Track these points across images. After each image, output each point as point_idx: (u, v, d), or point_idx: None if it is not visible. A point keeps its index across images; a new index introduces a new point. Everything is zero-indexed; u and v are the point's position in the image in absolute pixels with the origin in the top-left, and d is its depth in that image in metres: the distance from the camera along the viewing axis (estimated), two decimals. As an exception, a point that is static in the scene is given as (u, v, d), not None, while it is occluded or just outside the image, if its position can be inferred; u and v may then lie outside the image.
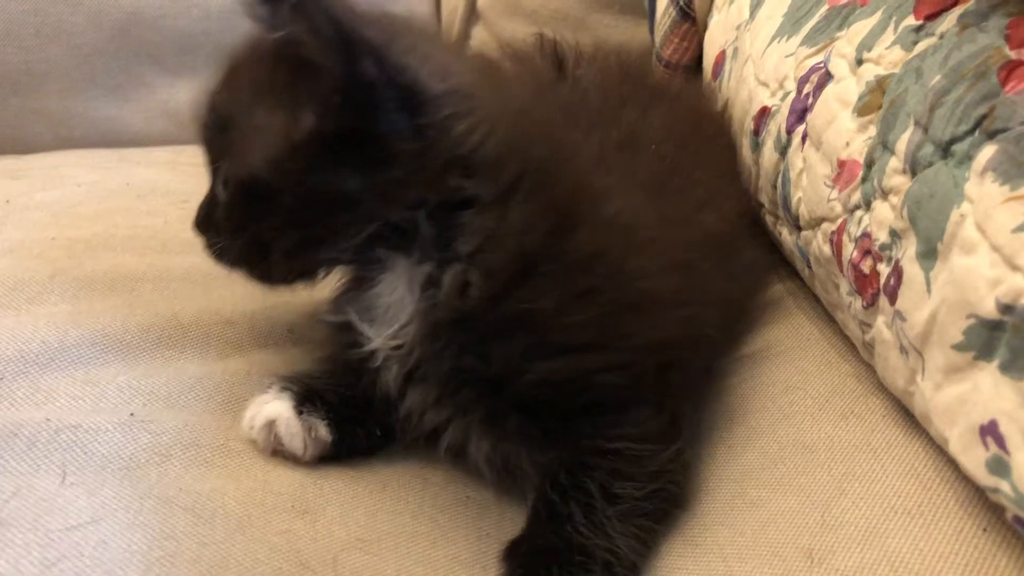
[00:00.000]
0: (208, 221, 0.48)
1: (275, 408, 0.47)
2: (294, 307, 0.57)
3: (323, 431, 0.47)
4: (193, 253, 0.60)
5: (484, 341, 0.44)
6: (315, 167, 0.43)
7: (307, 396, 0.47)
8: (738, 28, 0.63)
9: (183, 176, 0.76)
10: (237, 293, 0.57)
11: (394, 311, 0.46)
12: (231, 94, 0.46)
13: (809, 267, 0.51)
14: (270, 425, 0.46)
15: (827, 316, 0.52)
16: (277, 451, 0.47)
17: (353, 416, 0.48)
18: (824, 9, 0.53)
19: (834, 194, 0.46)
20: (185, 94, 0.89)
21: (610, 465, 0.45)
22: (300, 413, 0.47)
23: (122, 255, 0.60)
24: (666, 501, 0.46)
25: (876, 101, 0.44)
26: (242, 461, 0.47)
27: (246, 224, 0.45)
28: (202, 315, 0.56)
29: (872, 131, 0.44)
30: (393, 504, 0.47)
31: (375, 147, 0.42)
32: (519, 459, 0.47)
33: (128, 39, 0.87)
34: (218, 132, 0.47)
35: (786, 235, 0.54)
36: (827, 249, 0.47)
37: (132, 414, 0.47)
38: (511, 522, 0.47)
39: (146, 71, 0.88)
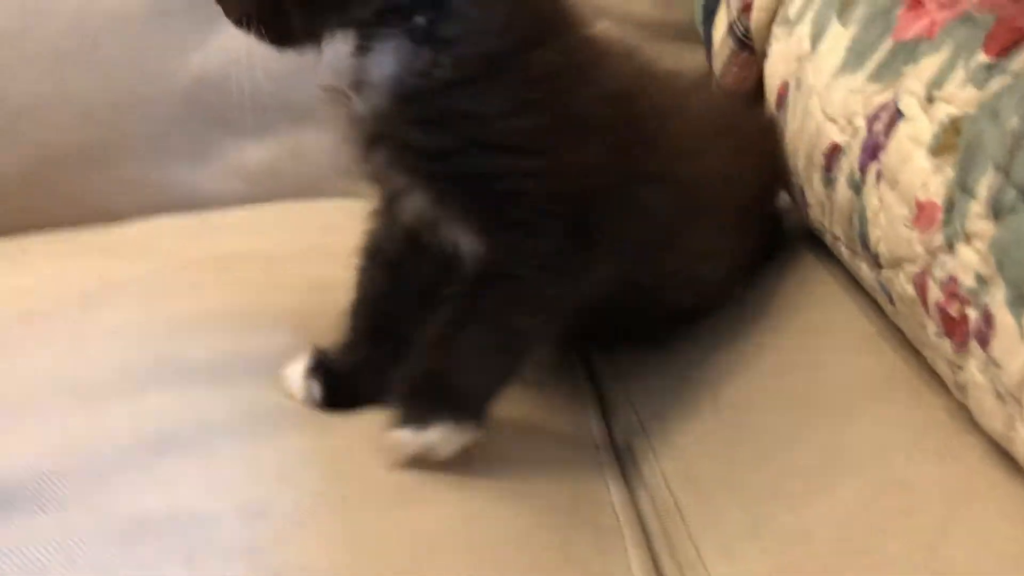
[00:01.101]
0: None
1: (292, 370, 0.58)
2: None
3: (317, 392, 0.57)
4: (283, 331, 0.64)
5: (433, 122, 0.51)
6: None
7: (317, 366, 0.57)
8: (799, 59, 0.63)
9: (263, 239, 0.79)
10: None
11: (376, 84, 0.52)
12: None
13: (892, 303, 0.51)
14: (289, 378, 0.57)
15: (914, 348, 0.52)
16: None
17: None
18: (889, 43, 0.53)
19: (915, 235, 0.46)
20: (255, 154, 0.92)
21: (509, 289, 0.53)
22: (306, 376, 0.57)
23: (219, 335, 0.62)
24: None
25: (951, 141, 0.44)
26: (355, 530, 0.49)
27: None
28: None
29: (949, 172, 0.44)
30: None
31: None
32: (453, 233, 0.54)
33: (197, 105, 0.89)
34: None
35: (866, 270, 0.54)
36: (910, 290, 0.47)
37: (248, 497, 0.49)
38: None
39: (216, 134, 0.91)
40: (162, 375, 0.59)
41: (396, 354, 0.58)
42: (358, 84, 0.54)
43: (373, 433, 0.55)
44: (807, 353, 0.60)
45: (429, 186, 0.53)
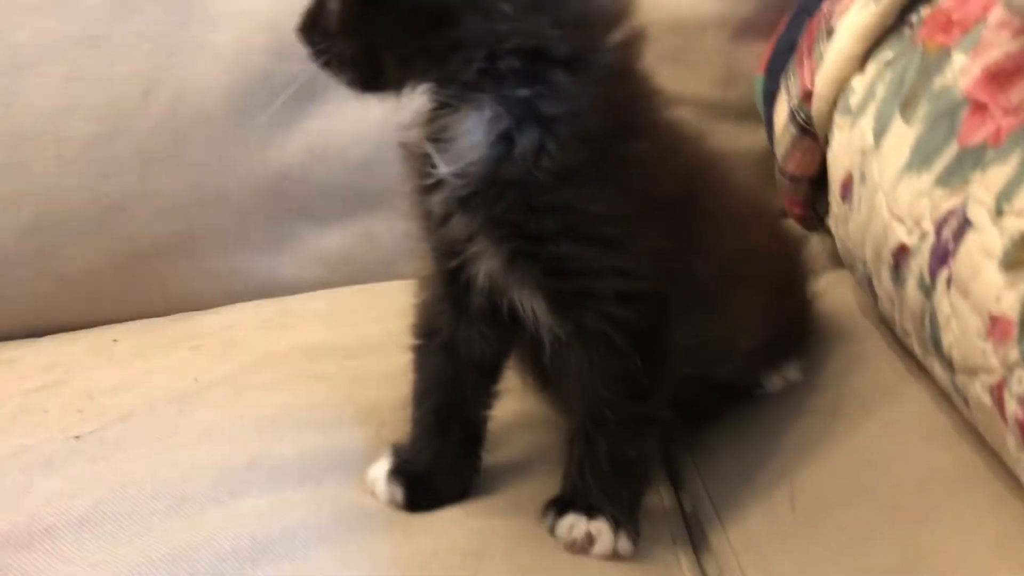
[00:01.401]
0: (314, 28, 0.53)
1: (376, 472, 0.60)
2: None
3: (400, 496, 0.59)
4: (365, 424, 0.66)
5: (532, 204, 0.51)
6: None
7: (398, 469, 0.60)
8: (863, 153, 0.64)
9: (342, 329, 0.82)
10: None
11: (466, 149, 0.52)
12: None
13: (967, 406, 0.52)
14: (373, 484, 0.60)
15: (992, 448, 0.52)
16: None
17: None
18: (955, 148, 0.54)
19: (989, 347, 0.47)
20: (331, 241, 0.95)
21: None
22: (388, 480, 0.59)
23: (305, 433, 0.65)
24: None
25: (1022, 257, 0.45)
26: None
27: (360, 30, 0.50)
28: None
29: (1022, 288, 0.45)
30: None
31: None
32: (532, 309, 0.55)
33: (278, 197, 0.93)
34: None
35: (939, 371, 0.54)
36: (987, 399, 0.48)
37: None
38: None
39: (296, 223, 0.95)
40: (254, 478, 0.61)
41: (467, 445, 0.61)
42: (443, 143, 0.53)
43: (458, 535, 0.57)
44: (881, 447, 0.60)
45: (513, 261, 0.54)
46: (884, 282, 0.60)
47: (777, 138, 0.79)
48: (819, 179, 0.76)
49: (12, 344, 0.87)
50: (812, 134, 0.75)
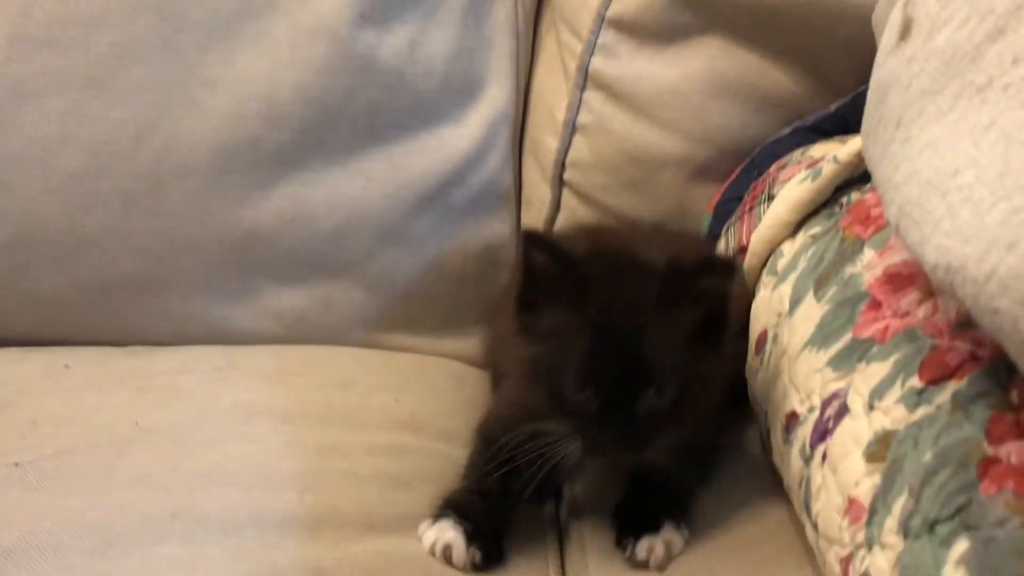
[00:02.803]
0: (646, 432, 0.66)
1: (455, 539, 0.68)
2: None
3: (479, 558, 0.67)
4: (289, 489, 0.71)
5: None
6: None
7: (474, 533, 0.67)
8: (779, 316, 0.71)
9: (284, 392, 0.86)
10: (327, 537, 0.67)
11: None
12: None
13: (824, 566, 0.58)
14: (447, 549, 0.67)
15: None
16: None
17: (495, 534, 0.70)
18: (849, 336, 0.60)
19: (844, 524, 0.53)
20: (290, 300, 1.00)
21: None
22: (468, 544, 0.67)
23: (231, 492, 0.70)
24: None
25: (881, 453, 0.51)
26: None
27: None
28: (295, 560, 0.65)
29: (877, 479, 0.51)
30: None
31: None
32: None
33: (246, 252, 0.98)
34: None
35: (809, 530, 0.61)
36: (837, 569, 0.54)
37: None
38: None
39: (258, 279, 1.00)
40: (178, 528, 0.66)
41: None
42: None
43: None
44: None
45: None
46: (777, 439, 0.67)
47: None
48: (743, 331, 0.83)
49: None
50: (742, 285, 0.82)
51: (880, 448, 0.52)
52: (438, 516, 0.69)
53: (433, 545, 0.67)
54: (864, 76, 0.62)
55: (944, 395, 0.50)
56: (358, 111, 0.98)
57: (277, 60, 0.95)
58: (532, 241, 0.65)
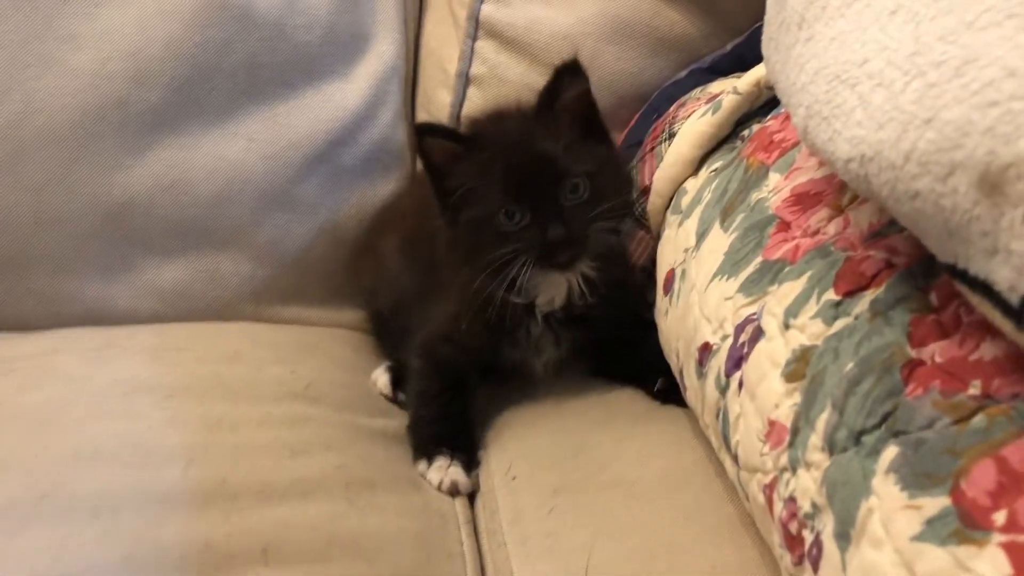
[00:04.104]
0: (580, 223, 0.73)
1: (457, 475, 0.75)
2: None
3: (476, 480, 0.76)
4: (172, 465, 0.65)
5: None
6: None
7: (468, 461, 0.76)
8: (686, 251, 0.69)
9: (167, 367, 0.80)
10: (217, 510, 0.61)
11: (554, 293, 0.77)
12: None
13: (748, 500, 0.55)
14: (453, 484, 0.74)
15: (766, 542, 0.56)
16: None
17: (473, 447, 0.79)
18: (759, 260, 0.58)
19: (766, 449, 0.50)
20: (171, 274, 0.94)
21: None
22: (467, 474, 0.75)
23: (106, 470, 0.63)
24: None
25: (801, 371, 0.49)
26: None
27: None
28: (180, 536, 0.59)
29: (797, 398, 0.48)
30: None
31: None
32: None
33: (120, 224, 0.91)
34: None
35: (729, 465, 0.58)
36: (761, 498, 0.51)
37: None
38: None
39: (136, 253, 0.93)
40: (45, 511, 0.59)
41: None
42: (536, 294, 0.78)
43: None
44: (676, 535, 0.63)
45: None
46: (691, 376, 0.64)
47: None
48: (651, 274, 0.80)
49: None
50: (647, 228, 0.79)
51: (799, 366, 0.49)
52: (432, 455, 0.75)
53: (440, 483, 0.74)
54: (759, 13, 0.60)
55: (862, 305, 0.47)
56: (236, 67, 0.92)
57: (144, 12, 0.88)
58: (424, 129, 0.75)
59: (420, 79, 1.02)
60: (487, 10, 0.94)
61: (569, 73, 0.73)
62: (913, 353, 0.43)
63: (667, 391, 0.77)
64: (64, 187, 0.88)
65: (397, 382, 0.86)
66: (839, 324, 0.48)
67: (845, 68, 0.44)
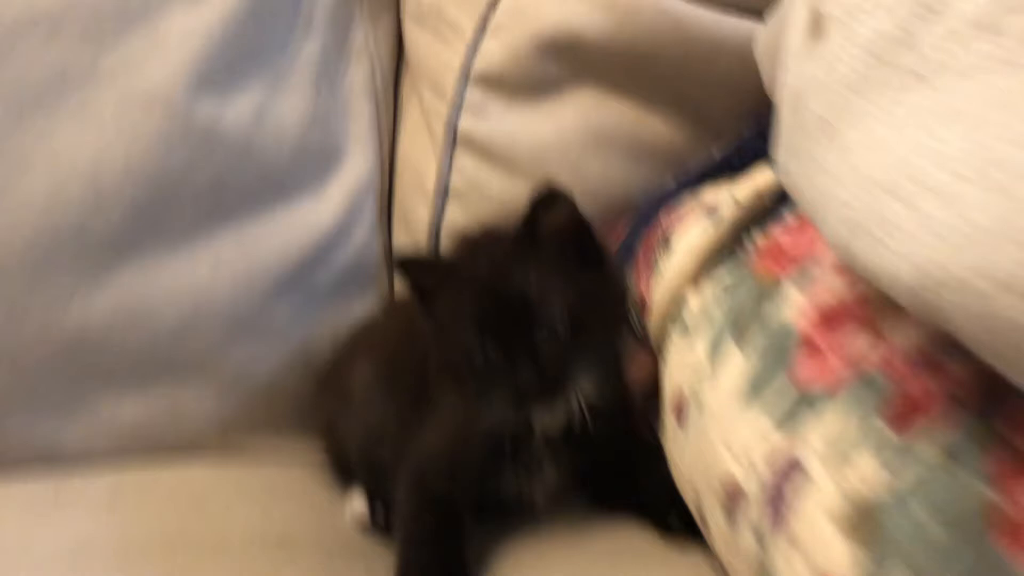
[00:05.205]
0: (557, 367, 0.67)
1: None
2: None
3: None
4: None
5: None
6: None
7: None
8: (698, 373, 0.63)
9: (122, 518, 0.72)
10: None
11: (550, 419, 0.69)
12: None
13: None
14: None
15: None
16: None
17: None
18: (791, 390, 0.52)
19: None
20: (130, 410, 0.87)
21: None
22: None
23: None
24: None
25: (863, 526, 0.43)
26: None
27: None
28: None
29: (862, 557, 0.42)
30: None
31: None
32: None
33: (73, 357, 0.84)
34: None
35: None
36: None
37: None
38: None
39: (90, 389, 0.86)
40: None
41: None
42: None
43: None
44: None
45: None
46: (715, 517, 0.58)
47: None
48: (655, 395, 0.75)
49: None
50: (645, 344, 0.74)
51: (859, 519, 0.43)
52: None
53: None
54: (744, 114, 0.56)
55: (926, 444, 0.42)
56: (200, 188, 0.86)
57: (102, 132, 0.83)
58: (405, 264, 0.71)
59: (397, 193, 0.98)
60: (465, 123, 0.90)
61: (544, 203, 0.67)
62: (997, 498, 0.37)
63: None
64: (11, 321, 0.82)
65: (372, 501, 0.78)
66: (900, 468, 0.42)
67: (895, 180, 0.39)
